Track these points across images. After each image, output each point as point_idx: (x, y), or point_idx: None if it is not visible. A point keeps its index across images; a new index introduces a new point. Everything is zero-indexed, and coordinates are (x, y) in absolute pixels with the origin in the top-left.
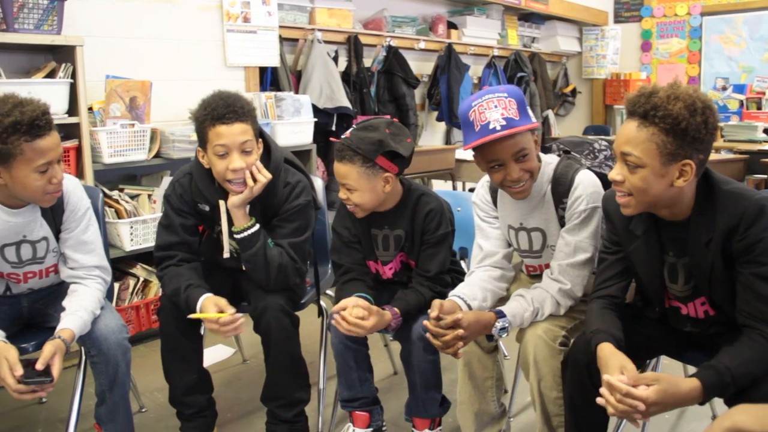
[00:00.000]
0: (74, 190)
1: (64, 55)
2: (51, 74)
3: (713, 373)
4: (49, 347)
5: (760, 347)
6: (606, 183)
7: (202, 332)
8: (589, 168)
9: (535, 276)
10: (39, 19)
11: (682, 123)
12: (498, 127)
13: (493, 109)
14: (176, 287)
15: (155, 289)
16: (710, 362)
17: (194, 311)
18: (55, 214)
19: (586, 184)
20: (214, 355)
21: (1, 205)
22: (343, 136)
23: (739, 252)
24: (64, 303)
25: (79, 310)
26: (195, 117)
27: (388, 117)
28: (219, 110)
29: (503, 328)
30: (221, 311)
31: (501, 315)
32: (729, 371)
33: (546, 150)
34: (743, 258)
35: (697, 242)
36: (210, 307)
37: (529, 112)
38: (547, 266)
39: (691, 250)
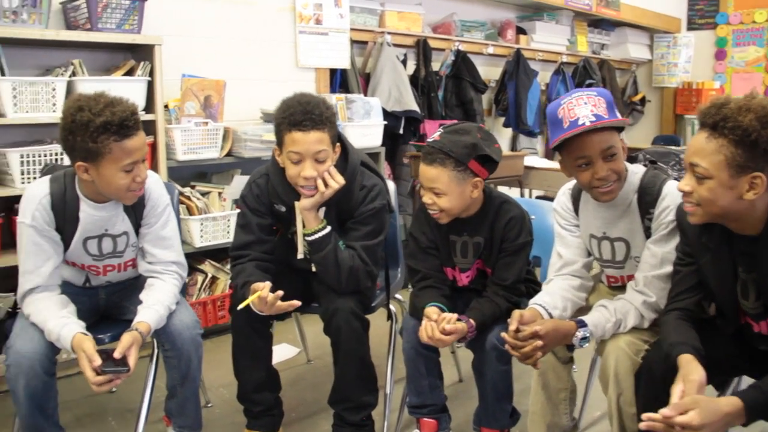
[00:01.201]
0: (155, 186)
1: (142, 53)
2: (130, 72)
3: (758, 393)
4: (126, 338)
5: None
6: None
7: (272, 330)
8: (675, 179)
9: (616, 287)
10: (121, 18)
11: (752, 135)
12: (587, 123)
13: (583, 105)
14: (235, 284)
15: (222, 286)
16: (757, 382)
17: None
18: (136, 210)
19: (674, 195)
20: (278, 353)
21: (88, 199)
22: (430, 140)
23: None
24: (141, 296)
25: (155, 305)
26: (274, 117)
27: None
28: (296, 116)
29: (584, 338)
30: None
31: (582, 324)
32: None
33: (632, 160)
34: None
35: (766, 258)
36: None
37: (617, 114)
38: (629, 277)
39: (760, 267)
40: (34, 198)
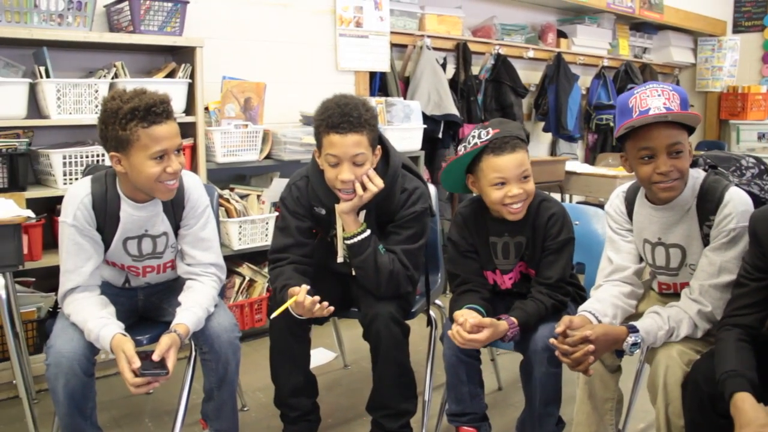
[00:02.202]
0: (195, 187)
1: (183, 56)
2: (171, 74)
3: None
4: (165, 340)
5: None
6: (755, 203)
7: (310, 334)
8: (737, 185)
9: (668, 294)
10: (163, 21)
11: None
12: (657, 113)
13: (656, 97)
14: (274, 288)
15: (260, 289)
16: None
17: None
18: (175, 210)
19: (737, 202)
20: (315, 358)
21: (128, 199)
22: (489, 136)
23: None
24: (180, 298)
25: (194, 307)
26: (313, 119)
27: None
28: (334, 118)
29: (635, 344)
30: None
31: (633, 330)
32: None
33: (691, 164)
34: None
35: None
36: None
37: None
38: (683, 285)
39: None
40: (76, 198)
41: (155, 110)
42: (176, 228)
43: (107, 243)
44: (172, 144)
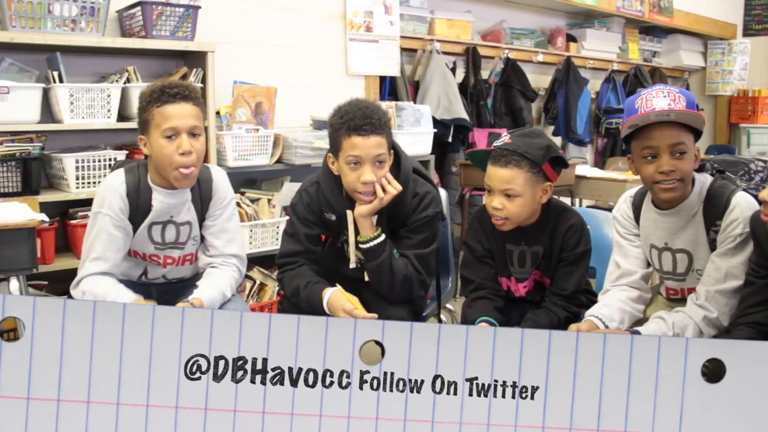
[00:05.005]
0: (222, 179)
1: (195, 60)
2: (182, 79)
3: None
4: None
5: None
6: None
7: None
8: (744, 190)
9: (676, 300)
10: (174, 26)
11: None
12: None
13: (662, 98)
14: (296, 286)
15: (270, 293)
16: None
17: (317, 306)
18: (203, 201)
19: (743, 207)
20: None
21: (158, 187)
22: (499, 143)
23: None
24: (198, 282)
25: (210, 286)
26: (330, 123)
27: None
28: (356, 121)
29: None
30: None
31: None
32: None
33: (699, 169)
34: None
35: None
36: (344, 301)
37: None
38: (690, 290)
39: None
40: (111, 188)
41: (169, 91)
42: (201, 219)
43: (135, 230)
44: (182, 123)
